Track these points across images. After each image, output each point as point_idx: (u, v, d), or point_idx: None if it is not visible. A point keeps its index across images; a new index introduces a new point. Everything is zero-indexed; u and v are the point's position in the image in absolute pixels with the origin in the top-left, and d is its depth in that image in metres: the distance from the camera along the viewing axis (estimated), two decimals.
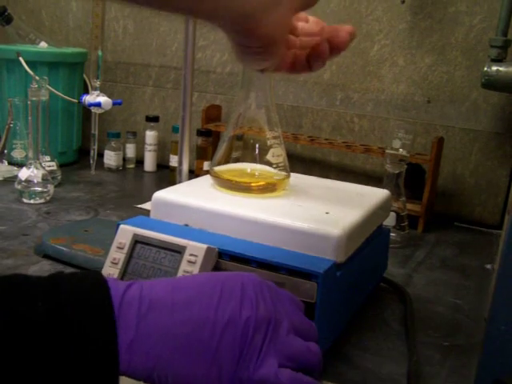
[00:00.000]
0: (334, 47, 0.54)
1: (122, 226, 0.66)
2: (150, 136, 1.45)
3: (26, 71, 1.24)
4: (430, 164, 1.12)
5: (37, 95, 1.10)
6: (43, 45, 1.41)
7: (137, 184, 1.40)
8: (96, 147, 1.15)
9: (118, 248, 0.65)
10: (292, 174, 0.77)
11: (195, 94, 1.44)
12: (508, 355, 0.45)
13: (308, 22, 0.55)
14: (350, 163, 1.31)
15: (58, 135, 1.39)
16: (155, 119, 1.46)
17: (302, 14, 0.54)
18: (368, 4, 1.25)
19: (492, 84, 1.07)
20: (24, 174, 1.12)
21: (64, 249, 0.85)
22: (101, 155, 1.42)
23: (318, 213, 0.68)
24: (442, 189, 1.23)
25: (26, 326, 0.37)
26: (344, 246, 0.62)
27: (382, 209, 0.79)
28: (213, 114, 1.38)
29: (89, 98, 1.10)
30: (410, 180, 1.11)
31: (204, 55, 1.43)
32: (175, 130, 1.36)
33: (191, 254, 0.61)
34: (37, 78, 1.14)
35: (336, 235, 0.62)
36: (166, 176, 1.40)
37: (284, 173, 0.75)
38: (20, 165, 1.22)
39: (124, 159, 1.48)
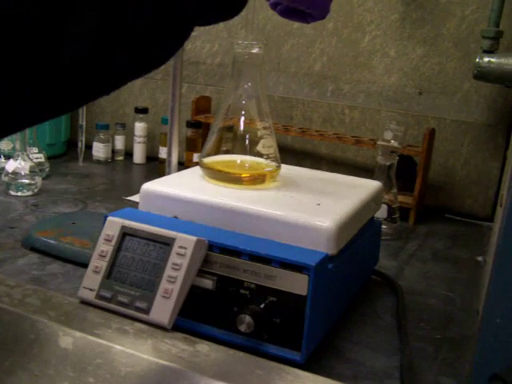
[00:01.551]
0: None
1: (109, 218, 0.65)
2: (139, 128, 1.44)
3: None
4: (422, 156, 1.11)
5: None
6: None
7: (126, 176, 1.39)
8: (84, 139, 1.13)
9: (106, 240, 0.64)
10: (283, 165, 0.77)
11: (185, 86, 1.43)
12: (503, 349, 0.45)
13: None
14: (341, 155, 1.31)
15: (46, 127, 1.37)
16: (144, 111, 1.44)
17: None
18: None
19: (484, 75, 1.06)
20: (11, 165, 1.10)
21: (51, 241, 0.84)
22: (89, 147, 1.41)
23: (309, 204, 0.67)
24: (434, 181, 1.22)
25: None
26: (336, 239, 0.61)
27: (374, 201, 0.78)
28: (203, 105, 1.37)
29: None
30: (402, 172, 1.11)
31: (194, 46, 1.42)
32: (164, 121, 1.34)
33: (180, 246, 0.61)
34: None
35: (327, 227, 0.61)
36: (156, 168, 1.39)
37: (275, 164, 0.74)
38: (7, 157, 1.20)
39: (113, 151, 1.46)
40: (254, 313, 0.58)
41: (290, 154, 1.34)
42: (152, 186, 0.71)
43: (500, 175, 1.17)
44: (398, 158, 1.04)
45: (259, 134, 0.73)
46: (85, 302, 0.64)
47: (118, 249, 0.64)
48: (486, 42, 1.05)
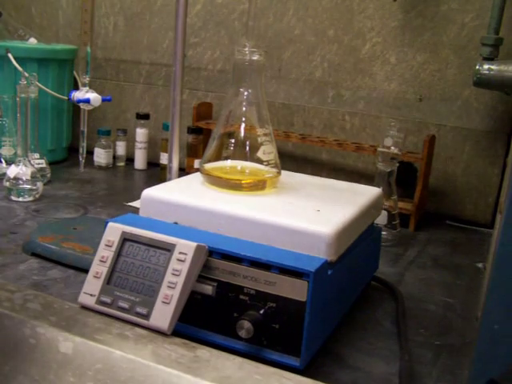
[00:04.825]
0: None
1: (110, 224, 0.65)
2: (141, 133, 1.44)
3: (15, 68, 1.22)
4: (422, 162, 1.12)
5: (25, 92, 1.09)
6: (33, 41, 1.39)
7: (127, 182, 1.39)
8: (85, 144, 1.14)
9: (107, 246, 0.64)
10: (283, 171, 0.77)
11: (186, 92, 1.43)
12: (501, 354, 0.45)
13: None
14: (341, 161, 1.31)
15: (48, 133, 1.38)
16: (146, 117, 1.45)
17: None
18: (360, 1, 1.24)
19: (484, 82, 1.06)
20: (13, 171, 1.10)
21: (52, 247, 0.84)
22: (91, 153, 1.41)
23: (309, 211, 0.68)
24: (434, 187, 1.22)
25: None
26: (335, 245, 0.62)
27: (374, 207, 0.78)
28: (204, 111, 1.37)
29: (78, 95, 1.09)
30: (402, 178, 1.11)
31: (195, 52, 1.42)
32: (166, 127, 1.35)
33: (180, 252, 0.61)
34: (26, 74, 1.12)
35: (327, 233, 0.61)
36: (157, 174, 1.39)
37: (275, 170, 0.74)
38: (9, 162, 1.20)
39: (114, 157, 1.47)
40: (253, 318, 0.59)
41: (290, 160, 1.34)
42: (153, 191, 0.71)
43: (500, 182, 1.18)
44: (398, 164, 1.04)
45: (259, 140, 0.73)
46: (85, 308, 0.64)
47: (119, 254, 0.64)
48: (486, 49, 1.06)
